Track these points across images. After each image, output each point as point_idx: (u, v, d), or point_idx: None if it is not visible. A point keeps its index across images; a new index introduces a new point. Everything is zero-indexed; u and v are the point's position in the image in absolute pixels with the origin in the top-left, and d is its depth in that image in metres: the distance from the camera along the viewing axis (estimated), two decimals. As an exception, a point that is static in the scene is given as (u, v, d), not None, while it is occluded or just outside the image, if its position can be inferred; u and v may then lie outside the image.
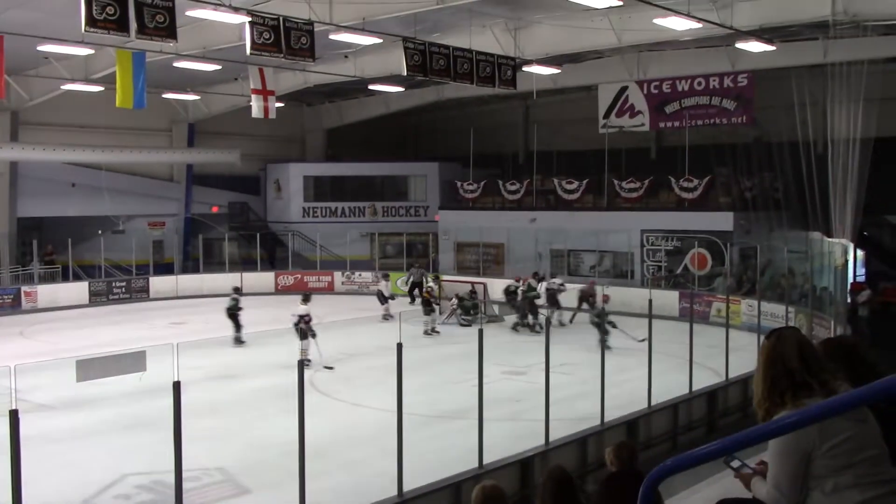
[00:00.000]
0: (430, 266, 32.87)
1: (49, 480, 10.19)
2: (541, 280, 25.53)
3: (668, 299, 24.67)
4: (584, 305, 24.27)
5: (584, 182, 32.04)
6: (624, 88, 31.46)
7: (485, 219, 33.52)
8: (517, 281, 25.44)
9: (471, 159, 34.80)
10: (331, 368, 18.18)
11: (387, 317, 25.08)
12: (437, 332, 23.05)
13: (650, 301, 14.33)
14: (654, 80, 30.72)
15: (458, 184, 35.75)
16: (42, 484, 8.44)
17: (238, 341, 21.35)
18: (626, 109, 31.71)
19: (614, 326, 18.14)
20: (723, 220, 27.84)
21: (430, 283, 27.24)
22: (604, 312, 19.01)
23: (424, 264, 32.72)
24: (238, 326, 21.60)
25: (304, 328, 18.78)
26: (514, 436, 11.80)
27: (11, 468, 6.48)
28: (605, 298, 20.88)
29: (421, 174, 38.47)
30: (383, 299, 26.11)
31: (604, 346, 14.96)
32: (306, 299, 19.86)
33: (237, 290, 23.14)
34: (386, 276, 28.84)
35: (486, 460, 10.20)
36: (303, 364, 17.69)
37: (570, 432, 11.72)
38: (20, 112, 30.18)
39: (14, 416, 6.45)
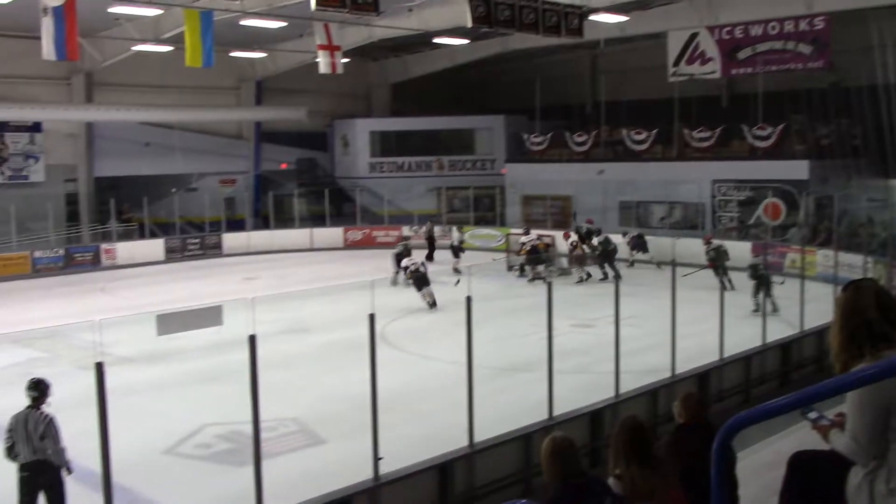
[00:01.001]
0: (497, 220, 32.79)
1: (133, 431, 10.58)
2: (588, 234, 25.61)
3: (741, 251, 24.21)
4: (637, 253, 24.44)
5: (654, 132, 31.47)
6: (694, 35, 30.60)
7: (552, 171, 33.26)
8: (566, 238, 25.37)
9: (537, 111, 34.43)
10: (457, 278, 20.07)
11: (457, 270, 25.26)
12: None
13: (723, 252, 14.07)
14: (725, 26, 29.79)
15: (525, 136, 35.47)
16: (126, 434, 8.78)
17: (394, 283, 23.01)
18: (696, 56, 30.89)
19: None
20: (798, 169, 27.09)
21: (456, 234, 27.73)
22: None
23: (445, 220, 32.66)
24: (399, 270, 23.05)
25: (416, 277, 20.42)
26: (583, 388, 11.81)
27: (99, 419, 6.75)
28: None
29: (487, 127, 38.26)
30: (455, 252, 26.21)
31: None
32: (408, 254, 22.10)
33: (406, 239, 25.83)
34: (459, 229, 29.12)
35: (555, 412, 10.24)
36: (433, 305, 18.89)
37: (639, 384, 11.68)
38: (94, 73, 30.87)
39: (99, 369, 6.70)
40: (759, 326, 14.16)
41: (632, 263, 24.75)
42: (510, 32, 22.60)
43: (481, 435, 9.49)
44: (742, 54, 29.94)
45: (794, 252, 23.15)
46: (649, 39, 32.34)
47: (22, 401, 8.44)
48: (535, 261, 24.29)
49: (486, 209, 35.71)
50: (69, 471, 8.11)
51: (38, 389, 8.11)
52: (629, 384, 11.43)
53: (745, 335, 14.56)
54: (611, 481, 4.75)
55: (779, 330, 14.96)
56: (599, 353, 13.06)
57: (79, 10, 20.13)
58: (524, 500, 4.05)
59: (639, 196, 31.04)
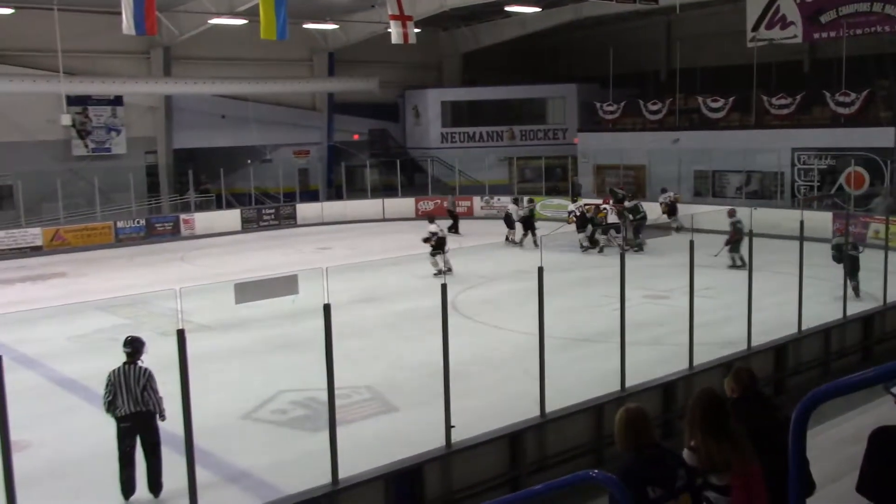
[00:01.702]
0: (570, 190, 32.51)
1: (212, 396, 10.89)
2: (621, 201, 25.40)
3: (821, 221, 23.53)
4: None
5: (731, 99, 30.74)
6: (774, -2, 29.72)
7: (625, 140, 32.79)
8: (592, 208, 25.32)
9: (610, 79, 33.92)
10: (449, 272, 19.77)
11: (512, 241, 25.29)
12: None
13: (801, 223, 13.70)
14: (808, -12, 28.85)
15: (598, 105, 35.00)
16: (205, 399, 9.02)
17: (513, 242, 24.40)
18: (776, 21, 29.98)
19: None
20: (882, 136, 26.17)
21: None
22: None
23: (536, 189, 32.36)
24: (531, 232, 24.75)
25: (435, 243, 20.47)
26: (656, 360, 11.70)
27: (181, 384, 6.96)
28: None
29: (559, 96, 37.87)
30: (510, 223, 26.05)
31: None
32: (431, 220, 21.41)
33: (531, 201, 26.97)
34: (516, 200, 28.81)
35: (628, 384, 10.18)
36: (441, 274, 18.92)
37: (714, 357, 11.52)
38: (172, 48, 31.49)
39: (181, 336, 6.89)
40: (840, 299, 13.78)
41: (678, 229, 24.32)
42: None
43: (552, 405, 9.49)
44: (825, 18, 28.94)
45: (877, 222, 22.44)
46: (727, 4, 31.50)
47: (107, 364, 8.83)
48: (584, 225, 24.28)
49: (558, 179, 35.43)
50: (163, 417, 8.71)
51: (133, 346, 8.78)
52: (704, 356, 11.27)
53: (825, 309, 14.21)
54: (685, 453, 4.72)
55: (861, 303, 14.56)
56: (673, 325, 12.90)
57: (156, -15, 20.54)
58: (596, 471, 4.04)
59: (714, 165, 30.41)
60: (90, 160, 30.85)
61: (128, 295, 18.00)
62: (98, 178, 28.84)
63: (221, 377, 12.50)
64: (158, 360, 8.87)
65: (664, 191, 27.74)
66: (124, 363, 8.70)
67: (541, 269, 9.12)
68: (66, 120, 28.73)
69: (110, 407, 8.63)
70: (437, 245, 20.52)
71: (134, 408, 8.55)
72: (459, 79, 40.13)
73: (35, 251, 26.93)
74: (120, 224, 29.11)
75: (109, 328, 15.55)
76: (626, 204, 25.49)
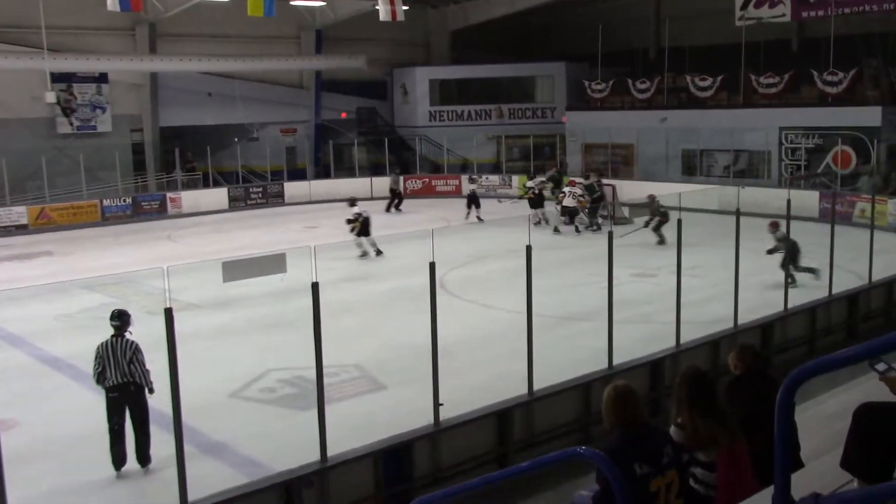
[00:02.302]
0: (559, 167, 32.48)
1: (199, 374, 10.86)
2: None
3: (808, 200, 23.64)
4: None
5: (719, 78, 30.73)
6: (764, -24, 29.66)
7: (613, 119, 32.76)
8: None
9: (599, 58, 33.83)
10: (380, 253, 20.36)
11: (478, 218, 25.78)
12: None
13: (788, 201, 13.75)
14: (797, -34, 28.80)
15: (586, 83, 34.93)
16: (193, 377, 8.99)
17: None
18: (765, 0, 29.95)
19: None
20: (870, 116, 26.25)
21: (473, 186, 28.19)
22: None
23: (547, 167, 32.34)
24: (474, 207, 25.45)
25: (357, 227, 20.74)
26: (644, 338, 11.75)
27: (169, 362, 6.95)
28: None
29: (547, 75, 37.76)
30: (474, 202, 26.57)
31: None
32: (353, 203, 21.43)
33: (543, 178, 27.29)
34: (472, 180, 29.31)
35: (615, 362, 10.23)
36: (366, 256, 19.36)
37: (701, 335, 11.59)
38: (157, 24, 31.19)
39: (169, 314, 6.88)
40: (826, 279, 13.87)
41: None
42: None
43: (540, 383, 9.54)
44: (814, -4, 28.93)
45: (863, 201, 22.55)
46: (716, -19, 31.41)
47: (94, 341, 8.83)
48: (540, 204, 24.63)
49: (546, 158, 35.39)
50: (151, 391, 8.86)
51: (121, 319, 9.00)
52: (690, 335, 11.34)
53: (811, 286, 14.30)
54: (672, 430, 4.76)
55: (847, 281, 14.64)
56: (661, 304, 12.96)
57: (141, -39, 20.33)
58: (584, 447, 4.06)
59: (702, 144, 30.45)
60: (75, 138, 30.60)
61: (114, 273, 17.94)
62: (83, 155, 28.62)
63: (209, 355, 12.48)
64: (146, 338, 8.86)
65: (588, 177, 27.22)
66: (112, 336, 8.86)
67: (529, 248, 9.13)
68: (50, 97, 28.49)
69: (99, 378, 8.80)
70: (363, 228, 20.63)
71: (121, 379, 8.70)
72: (448, 57, 39.94)
73: (20, 230, 26.76)
74: (106, 202, 28.94)
75: (96, 307, 15.47)
76: (583, 182, 25.63)
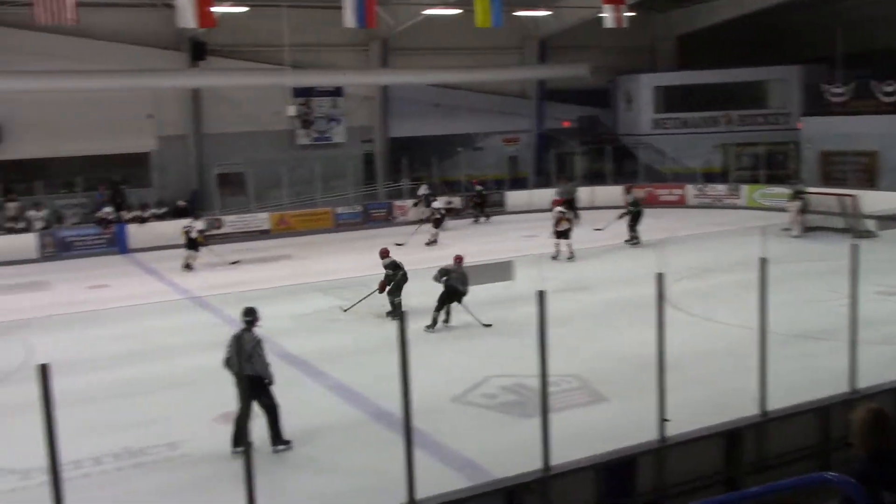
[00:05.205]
0: (790, 180, 30.76)
1: (422, 377, 11.18)
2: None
3: None
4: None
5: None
6: None
7: (855, 125, 30.57)
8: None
9: (838, 59, 31.68)
10: (236, 263, 22.15)
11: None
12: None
13: None
14: None
15: (824, 87, 32.82)
16: (418, 380, 9.29)
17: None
18: None
19: None
20: None
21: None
22: None
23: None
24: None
25: (193, 238, 22.39)
26: (887, 362, 10.87)
27: (400, 365, 7.19)
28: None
29: (780, 79, 35.85)
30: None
31: None
32: (197, 217, 23.77)
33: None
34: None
35: (858, 385, 9.50)
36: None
37: (959, 360, 10.55)
38: (389, 39, 32.65)
39: (402, 319, 7.17)
40: None
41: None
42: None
43: (773, 403, 9.04)
44: None
45: None
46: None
47: (325, 345, 9.34)
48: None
49: (779, 167, 33.56)
50: (271, 382, 9.61)
51: (252, 315, 9.84)
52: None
53: None
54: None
55: None
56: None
57: (376, -21, 21.32)
58: (833, 473, 3.82)
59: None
60: (312, 149, 32.60)
61: (347, 277, 18.90)
62: (319, 165, 30.43)
63: (430, 361, 12.76)
64: (374, 340, 9.24)
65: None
66: (242, 329, 9.68)
67: (763, 260, 8.69)
68: (291, 111, 30.58)
69: (227, 363, 9.60)
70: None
71: (242, 367, 9.23)
72: (674, 62, 38.87)
73: (263, 234, 28.88)
74: (339, 210, 30.59)
75: (327, 309, 16.38)
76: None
